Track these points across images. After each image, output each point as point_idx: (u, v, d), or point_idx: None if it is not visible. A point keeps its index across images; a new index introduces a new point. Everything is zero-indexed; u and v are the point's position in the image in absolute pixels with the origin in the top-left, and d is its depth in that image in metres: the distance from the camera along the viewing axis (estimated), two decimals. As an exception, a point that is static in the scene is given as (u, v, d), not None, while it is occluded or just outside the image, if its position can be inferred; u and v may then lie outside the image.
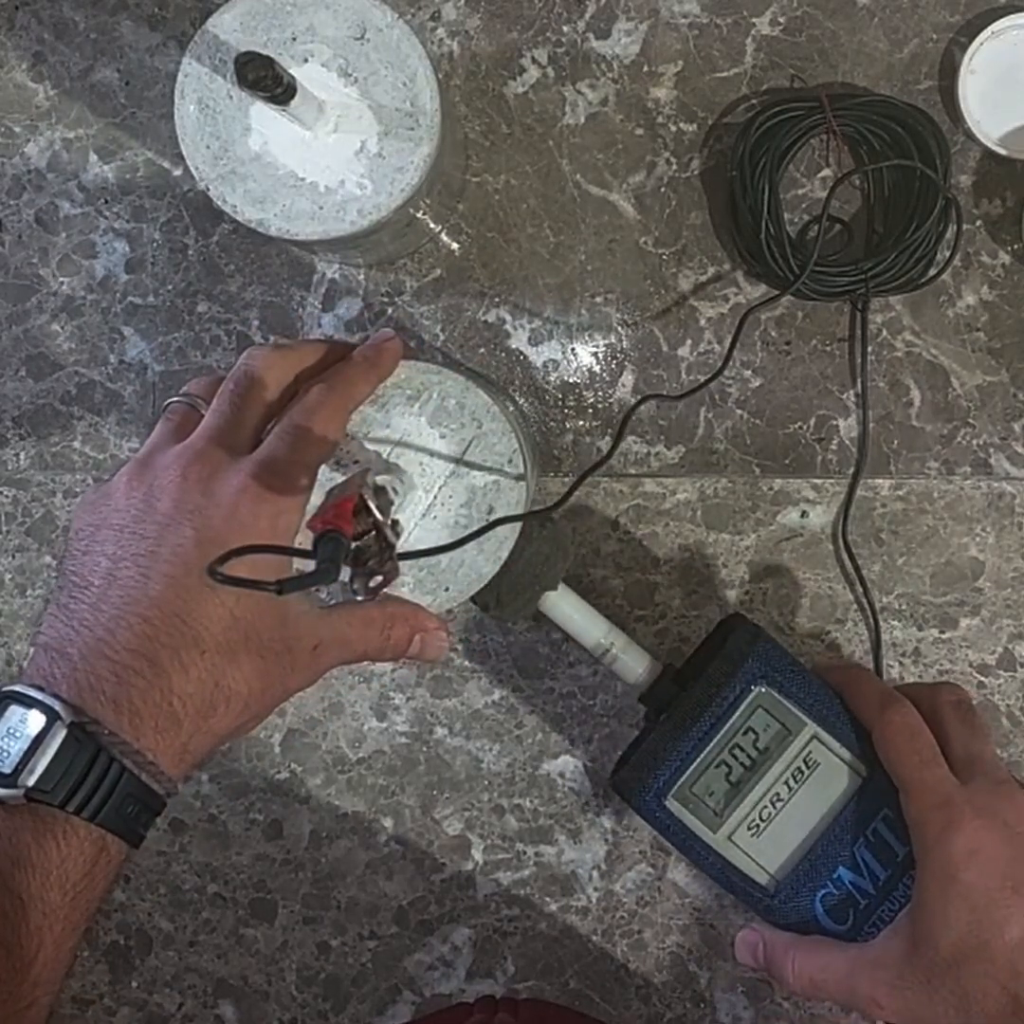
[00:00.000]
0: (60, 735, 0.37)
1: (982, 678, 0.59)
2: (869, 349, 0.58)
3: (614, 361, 0.59)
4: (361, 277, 0.59)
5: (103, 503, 0.42)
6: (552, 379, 0.59)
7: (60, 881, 0.37)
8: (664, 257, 0.59)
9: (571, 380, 0.59)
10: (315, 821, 0.60)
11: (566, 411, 0.59)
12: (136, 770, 0.38)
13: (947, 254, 0.56)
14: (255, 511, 0.41)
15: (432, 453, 0.47)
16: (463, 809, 0.59)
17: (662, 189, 0.58)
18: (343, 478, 0.44)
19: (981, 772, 0.46)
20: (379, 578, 0.39)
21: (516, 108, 0.59)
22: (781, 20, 0.58)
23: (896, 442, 0.58)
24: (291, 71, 0.43)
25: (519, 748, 0.59)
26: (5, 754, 0.36)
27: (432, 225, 0.57)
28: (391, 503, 0.43)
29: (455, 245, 0.59)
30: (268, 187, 0.48)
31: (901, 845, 0.47)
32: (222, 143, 0.48)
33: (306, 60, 0.47)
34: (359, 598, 0.39)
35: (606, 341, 0.59)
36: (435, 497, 0.47)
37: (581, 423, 0.59)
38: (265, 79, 0.41)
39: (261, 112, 0.47)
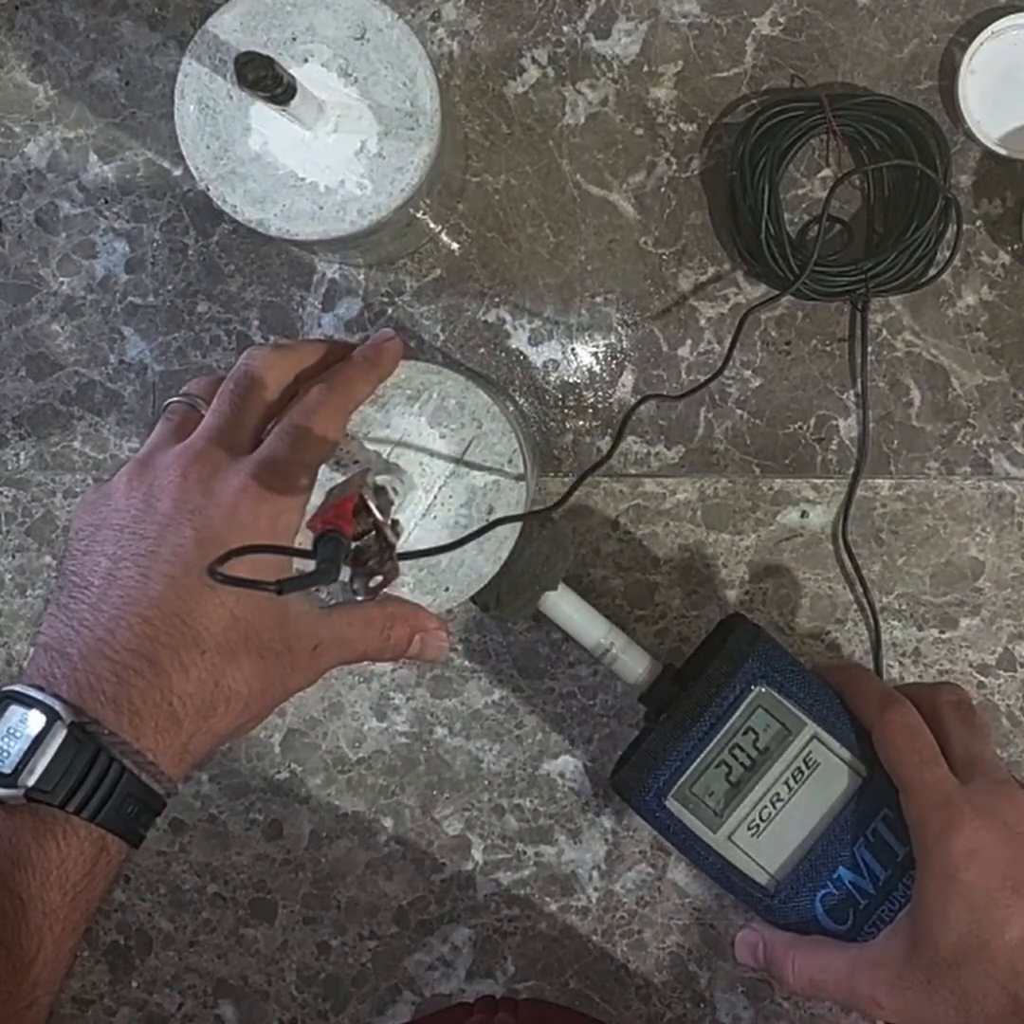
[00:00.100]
0: (60, 735, 0.37)
1: (982, 678, 0.59)
2: (869, 349, 0.58)
3: (614, 361, 0.59)
4: (361, 277, 0.59)
5: (103, 503, 0.42)
6: (552, 379, 0.59)
7: (60, 881, 0.37)
8: (664, 257, 0.59)
9: (571, 380, 0.59)
10: (315, 821, 0.60)
11: (566, 411, 0.59)
12: (136, 770, 0.38)
13: (947, 254, 0.56)
14: (255, 511, 0.41)
15: (432, 453, 0.47)
16: (463, 809, 0.59)
17: (662, 189, 0.58)
18: (343, 478, 0.44)
19: (981, 772, 0.46)
20: (379, 578, 0.39)
21: (516, 108, 0.59)
22: (781, 20, 0.58)
23: (896, 442, 0.58)
24: (291, 71, 0.43)
25: (519, 748, 0.59)
26: (5, 754, 0.36)
27: (432, 225, 0.57)
28: (391, 503, 0.43)
29: (455, 245, 0.59)
30: (268, 187, 0.48)
31: (901, 845, 0.47)
32: (222, 143, 0.48)
33: (306, 60, 0.47)
34: (359, 598, 0.39)
35: (606, 341, 0.59)
36: (435, 497, 0.47)
37: (581, 423, 0.59)
38: (265, 79, 0.41)
39: (261, 112, 0.47)
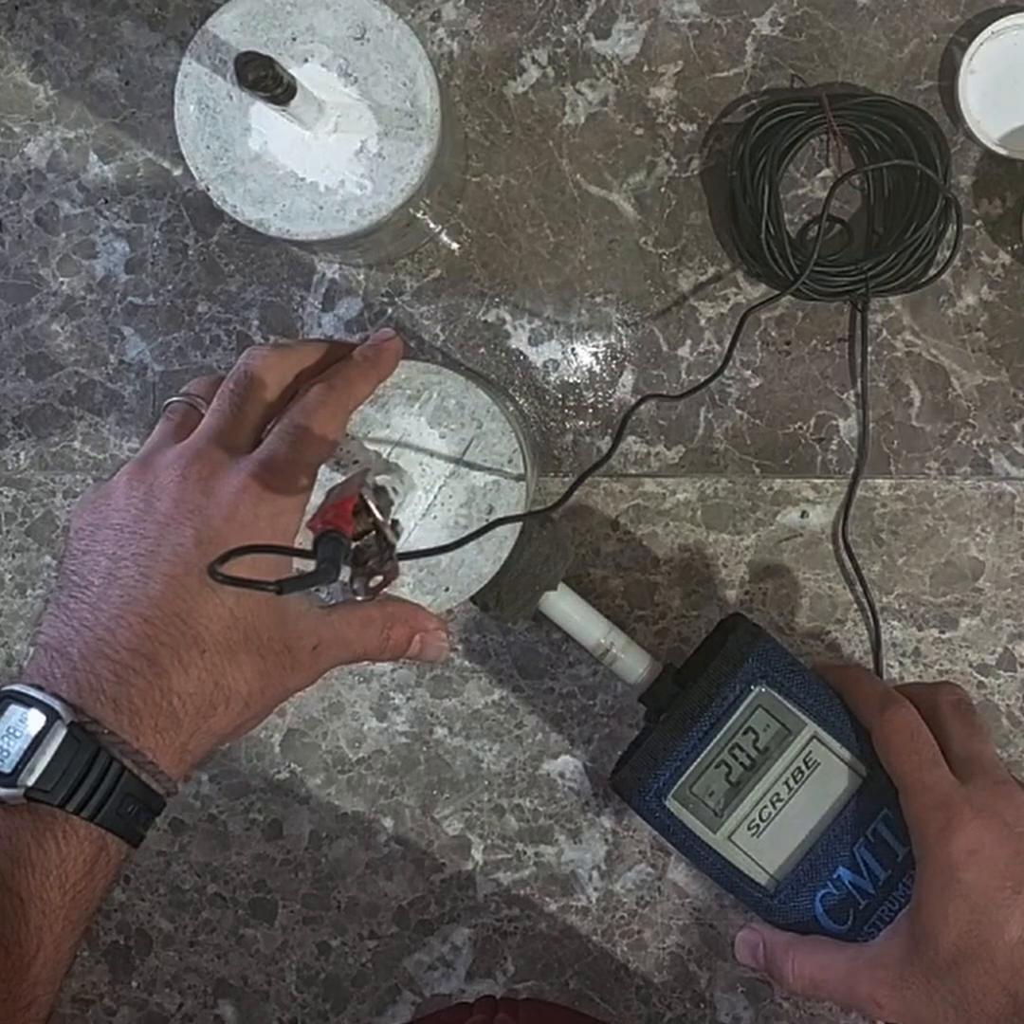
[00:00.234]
0: (60, 734, 0.37)
1: (982, 678, 0.59)
2: (869, 349, 0.58)
3: (614, 361, 0.59)
4: (361, 277, 0.59)
5: (103, 503, 0.42)
6: (552, 379, 0.59)
7: (60, 881, 0.37)
8: (664, 257, 0.59)
9: (571, 380, 0.59)
10: (315, 821, 0.60)
11: (566, 411, 0.59)
12: (136, 769, 0.38)
13: (947, 254, 0.56)
14: (255, 511, 0.41)
15: (432, 453, 0.47)
16: (463, 809, 0.59)
17: (662, 189, 0.58)
18: (343, 478, 0.44)
19: (981, 772, 0.46)
20: (379, 578, 0.39)
21: (516, 108, 0.59)
22: (781, 20, 0.58)
23: (896, 442, 0.58)
24: (291, 71, 0.43)
25: (519, 748, 0.59)
26: (5, 753, 0.36)
27: (432, 225, 0.57)
28: (391, 503, 0.43)
29: (455, 245, 0.59)
30: (268, 187, 0.48)
31: (901, 845, 0.47)
32: (222, 143, 0.48)
33: (306, 60, 0.47)
34: (359, 598, 0.39)
35: (606, 341, 0.59)
36: (435, 497, 0.47)
37: (581, 423, 0.59)
38: (265, 79, 0.41)
39: (261, 112, 0.47)
